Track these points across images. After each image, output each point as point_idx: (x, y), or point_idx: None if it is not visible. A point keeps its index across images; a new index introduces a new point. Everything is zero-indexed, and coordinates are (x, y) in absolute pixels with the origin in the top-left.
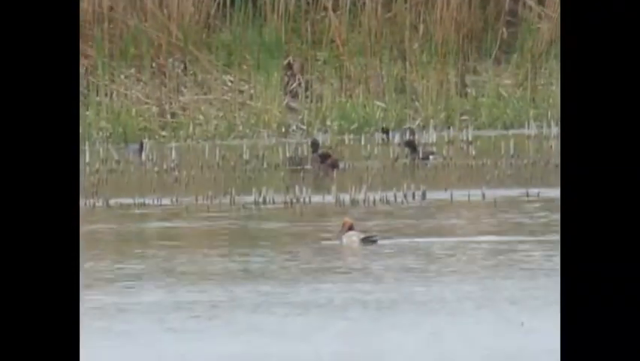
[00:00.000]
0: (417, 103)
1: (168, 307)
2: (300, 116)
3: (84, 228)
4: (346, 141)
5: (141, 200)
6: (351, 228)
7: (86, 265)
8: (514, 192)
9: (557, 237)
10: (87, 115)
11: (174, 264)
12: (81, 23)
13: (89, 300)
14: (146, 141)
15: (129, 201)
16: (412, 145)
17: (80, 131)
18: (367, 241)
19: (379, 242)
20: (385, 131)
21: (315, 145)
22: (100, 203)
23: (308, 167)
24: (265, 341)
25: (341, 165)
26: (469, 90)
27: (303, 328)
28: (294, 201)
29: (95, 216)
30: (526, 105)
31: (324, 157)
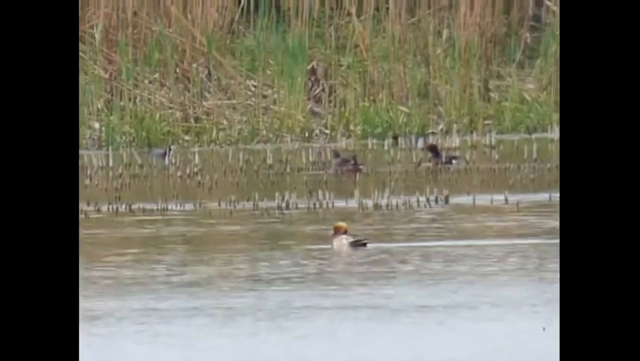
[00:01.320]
0: (440, 108)
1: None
2: (323, 121)
3: (112, 234)
4: (369, 146)
5: (164, 205)
6: (346, 232)
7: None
8: (537, 196)
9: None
10: (111, 120)
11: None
12: (105, 29)
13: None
14: (171, 146)
15: (152, 206)
16: (434, 150)
17: (104, 135)
18: (357, 244)
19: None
20: (395, 136)
21: (336, 155)
22: (123, 208)
23: (331, 171)
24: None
25: (364, 169)
26: (492, 95)
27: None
28: (317, 205)
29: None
30: (550, 109)
31: (352, 159)
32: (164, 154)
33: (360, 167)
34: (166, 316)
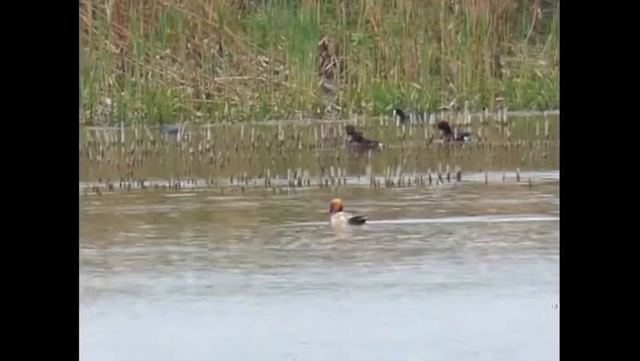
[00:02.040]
0: (451, 84)
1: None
2: (335, 97)
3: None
4: (381, 122)
5: (176, 182)
6: (341, 209)
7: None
8: (549, 173)
9: None
10: (122, 95)
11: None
12: (116, 4)
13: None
14: (182, 124)
15: (164, 183)
16: (446, 126)
17: (115, 111)
18: (355, 221)
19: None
20: (399, 111)
21: (350, 132)
22: (135, 185)
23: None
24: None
25: (380, 146)
26: (503, 71)
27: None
28: (329, 182)
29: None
30: None
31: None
32: (176, 131)
33: (380, 145)
34: (193, 293)
